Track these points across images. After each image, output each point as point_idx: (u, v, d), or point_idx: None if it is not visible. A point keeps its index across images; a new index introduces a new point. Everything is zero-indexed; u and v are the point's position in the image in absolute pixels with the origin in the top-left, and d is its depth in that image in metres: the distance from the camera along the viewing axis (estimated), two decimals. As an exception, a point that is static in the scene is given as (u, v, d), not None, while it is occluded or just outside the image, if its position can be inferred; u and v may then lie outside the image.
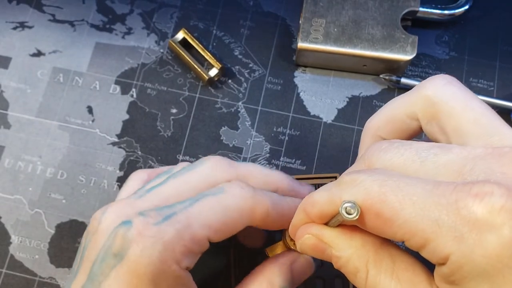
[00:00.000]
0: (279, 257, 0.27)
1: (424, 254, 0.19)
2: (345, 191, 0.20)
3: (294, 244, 0.26)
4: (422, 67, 0.40)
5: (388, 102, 0.26)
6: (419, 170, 0.21)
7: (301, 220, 0.23)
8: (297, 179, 0.34)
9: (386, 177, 0.20)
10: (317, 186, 0.34)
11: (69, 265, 0.35)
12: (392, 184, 0.19)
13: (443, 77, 0.24)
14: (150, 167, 0.37)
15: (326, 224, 0.23)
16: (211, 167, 0.27)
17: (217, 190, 0.25)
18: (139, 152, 0.37)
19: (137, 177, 0.30)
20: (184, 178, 0.26)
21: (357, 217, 0.19)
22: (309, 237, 0.23)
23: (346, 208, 0.20)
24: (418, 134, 0.25)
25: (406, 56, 0.37)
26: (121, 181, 0.37)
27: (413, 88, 0.24)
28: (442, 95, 0.23)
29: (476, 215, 0.18)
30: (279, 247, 0.28)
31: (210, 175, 0.26)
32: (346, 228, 0.22)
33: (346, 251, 0.22)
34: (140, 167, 0.37)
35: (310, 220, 0.23)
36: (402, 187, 0.19)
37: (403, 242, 0.20)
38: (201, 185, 0.26)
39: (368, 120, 0.27)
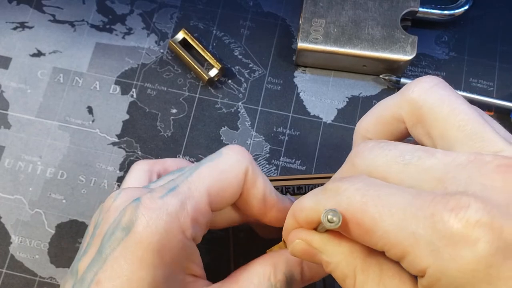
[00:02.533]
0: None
1: (404, 265, 0.19)
2: (329, 200, 0.21)
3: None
4: (422, 67, 0.40)
5: (378, 103, 0.26)
6: (401, 172, 0.21)
7: (291, 225, 0.24)
8: (297, 179, 0.34)
9: (368, 186, 0.20)
10: (317, 186, 0.34)
11: (69, 265, 0.35)
12: (373, 194, 0.19)
13: (430, 79, 0.23)
14: (150, 167, 0.37)
15: (315, 229, 0.23)
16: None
17: (216, 155, 0.27)
18: (139, 152, 0.37)
19: (140, 167, 0.31)
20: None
21: (338, 225, 0.19)
22: (299, 242, 0.23)
23: (328, 216, 0.20)
24: (407, 137, 0.25)
25: (406, 56, 0.37)
26: (121, 181, 0.37)
27: (401, 90, 0.24)
28: (428, 99, 0.23)
29: (452, 230, 0.17)
30: (278, 248, 0.28)
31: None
32: (335, 234, 0.22)
33: (334, 257, 0.22)
34: (140, 167, 0.37)
35: (299, 225, 0.23)
36: (383, 197, 0.19)
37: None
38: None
39: (359, 121, 0.27)
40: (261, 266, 0.27)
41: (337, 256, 0.22)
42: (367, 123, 0.26)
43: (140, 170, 0.31)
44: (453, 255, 0.17)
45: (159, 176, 0.31)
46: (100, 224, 0.26)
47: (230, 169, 0.26)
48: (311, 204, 0.22)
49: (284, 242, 0.27)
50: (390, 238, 0.19)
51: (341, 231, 0.21)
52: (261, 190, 0.27)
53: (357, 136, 0.27)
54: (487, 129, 0.21)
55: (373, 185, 0.20)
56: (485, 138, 0.21)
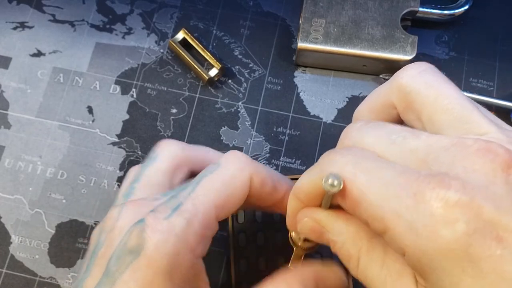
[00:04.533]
0: (304, 265, 0.27)
1: (385, 240, 0.20)
2: (322, 170, 0.21)
3: (300, 240, 0.26)
4: (422, 67, 0.40)
5: (372, 92, 0.27)
6: (386, 152, 0.21)
7: (294, 206, 0.24)
8: (297, 179, 0.34)
9: (359, 159, 0.21)
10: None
11: (69, 265, 0.35)
12: (362, 166, 0.20)
13: (419, 65, 0.24)
14: (150, 167, 0.37)
15: (320, 206, 0.23)
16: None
17: (214, 167, 0.26)
18: (139, 152, 0.37)
19: (134, 173, 0.30)
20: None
21: (340, 187, 0.20)
22: (307, 220, 0.23)
23: (329, 181, 0.20)
24: (400, 123, 0.25)
25: (406, 56, 0.37)
26: (121, 181, 0.37)
27: (392, 77, 0.25)
28: (416, 84, 0.23)
29: (431, 210, 0.18)
30: (295, 256, 0.27)
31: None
32: (341, 213, 0.23)
33: (341, 236, 0.22)
34: (140, 167, 0.37)
35: (303, 204, 0.23)
36: (371, 170, 0.20)
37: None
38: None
39: (355, 110, 0.27)
40: (275, 285, 0.26)
41: (343, 235, 0.22)
42: (361, 111, 0.27)
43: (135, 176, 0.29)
44: (432, 234, 0.18)
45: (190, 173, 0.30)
46: (103, 244, 0.25)
47: (234, 180, 0.26)
48: (308, 179, 0.22)
49: (295, 243, 0.27)
50: (373, 211, 0.19)
51: (340, 202, 0.21)
52: (271, 185, 0.27)
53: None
54: (474, 112, 0.21)
55: (363, 158, 0.21)
56: (471, 120, 0.21)
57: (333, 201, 0.22)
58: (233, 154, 0.27)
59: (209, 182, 0.25)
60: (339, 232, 0.22)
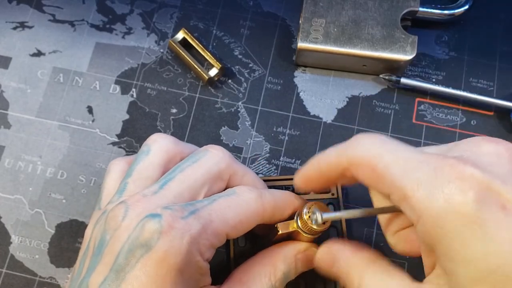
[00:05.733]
0: (285, 245, 0.29)
1: (403, 208, 0.23)
2: (350, 149, 0.25)
3: (304, 226, 0.28)
4: (422, 67, 0.40)
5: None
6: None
7: (312, 171, 0.27)
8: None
9: (385, 142, 0.24)
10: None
11: (69, 265, 0.35)
12: (388, 147, 0.24)
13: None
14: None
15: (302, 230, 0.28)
16: (213, 159, 0.29)
17: (230, 192, 0.27)
18: (139, 152, 0.37)
19: (118, 169, 0.31)
20: (191, 172, 0.28)
21: (320, 225, 0.27)
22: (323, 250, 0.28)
23: (311, 214, 0.26)
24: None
25: (406, 56, 0.37)
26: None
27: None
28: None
29: (449, 179, 0.21)
30: (290, 226, 0.28)
31: (214, 168, 0.28)
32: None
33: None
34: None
35: (320, 173, 0.27)
36: (395, 150, 0.23)
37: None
38: (207, 176, 0.28)
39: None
40: (262, 266, 0.28)
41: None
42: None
43: (119, 171, 0.31)
44: (448, 199, 0.21)
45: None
46: (108, 241, 0.25)
47: (249, 208, 0.27)
48: (333, 153, 0.26)
49: (296, 222, 0.28)
50: (395, 182, 0.22)
51: (360, 178, 0.25)
52: (280, 213, 0.29)
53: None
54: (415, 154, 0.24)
55: (389, 141, 0.24)
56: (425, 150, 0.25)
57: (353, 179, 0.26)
58: (247, 188, 0.28)
59: (225, 202, 0.27)
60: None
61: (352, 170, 0.25)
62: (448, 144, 0.25)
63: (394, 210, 0.25)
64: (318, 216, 0.26)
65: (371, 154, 0.24)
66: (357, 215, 0.26)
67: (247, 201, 0.27)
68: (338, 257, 0.27)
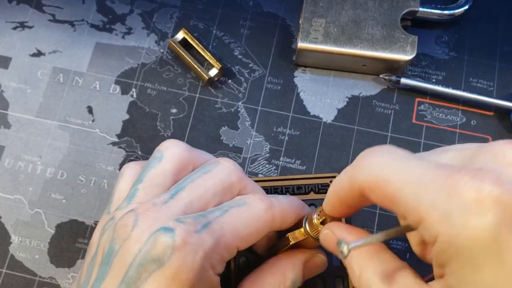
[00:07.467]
0: (293, 254, 0.29)
1: (420, 231, 0.21)
2: (358, 173, 0.23)
3: (314, 231, 0.27)
4: (422, 67, 0.40)
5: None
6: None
7: (334, 199, 0.26)
8: (297, 179, 0.34)
9: (392, 160, 0.22)
10: (317, 186, 0.34)
11: (69, 265, 0.35)
12: (396, 167, 0.22)
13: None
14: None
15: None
16: (225, 171, 0.28)
17: (240, 202, 0.27)
18: (139, 152, 0.37)
19: (131, 173, 0.30)
20: (202, 183, 0.27)
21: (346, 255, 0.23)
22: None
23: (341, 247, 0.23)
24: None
25: (406, 56, 0.37)
26: (121, 181, 0.37)
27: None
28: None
29: (465, 199, 0.19)
30: (300, 234, 0.28)
31: (226, 180, 0.28)
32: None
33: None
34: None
35: (339, 200, 0.25)
36: (404, 170, 0.22)
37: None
38: (218, 188, 0.27)
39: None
40: (271, 276, 0.28)
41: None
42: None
43: (133, 175, 0.30)
44: (464, 223, 0.19)
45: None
46: (117, 251, 0.24)
47: (259, 219, 0.27)
48: (346, 178, 0.24)
49: (305, 229, 0.28)
50: (409, 205, 0.21)
51: (372, 199, 0.23)
52: (289, 222, 0.29)
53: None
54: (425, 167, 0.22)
55: (397, 158, 0.22)
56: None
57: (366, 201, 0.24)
58: (257, 197, 0.28)
59: (236, 213, 0.26)
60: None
61: (365, 194, 0.23)
62: (470, 146, 0.22)
63: (412, 229, 0.24)
64: (344, 248, 0.23)
65: (379, 176, 0.22)
66: (381, 238, 0.24)
67: (258, 212, 0.27)
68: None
